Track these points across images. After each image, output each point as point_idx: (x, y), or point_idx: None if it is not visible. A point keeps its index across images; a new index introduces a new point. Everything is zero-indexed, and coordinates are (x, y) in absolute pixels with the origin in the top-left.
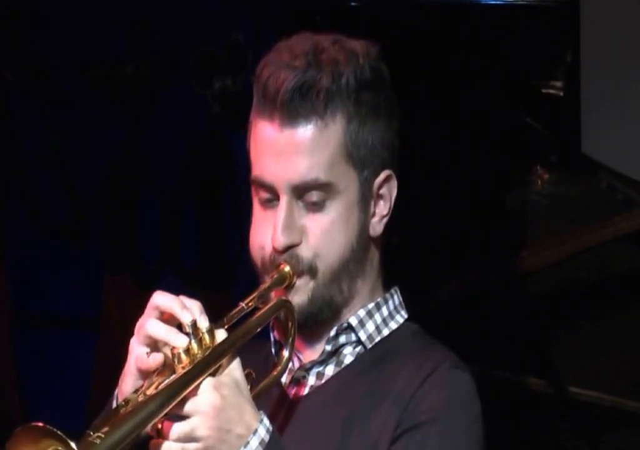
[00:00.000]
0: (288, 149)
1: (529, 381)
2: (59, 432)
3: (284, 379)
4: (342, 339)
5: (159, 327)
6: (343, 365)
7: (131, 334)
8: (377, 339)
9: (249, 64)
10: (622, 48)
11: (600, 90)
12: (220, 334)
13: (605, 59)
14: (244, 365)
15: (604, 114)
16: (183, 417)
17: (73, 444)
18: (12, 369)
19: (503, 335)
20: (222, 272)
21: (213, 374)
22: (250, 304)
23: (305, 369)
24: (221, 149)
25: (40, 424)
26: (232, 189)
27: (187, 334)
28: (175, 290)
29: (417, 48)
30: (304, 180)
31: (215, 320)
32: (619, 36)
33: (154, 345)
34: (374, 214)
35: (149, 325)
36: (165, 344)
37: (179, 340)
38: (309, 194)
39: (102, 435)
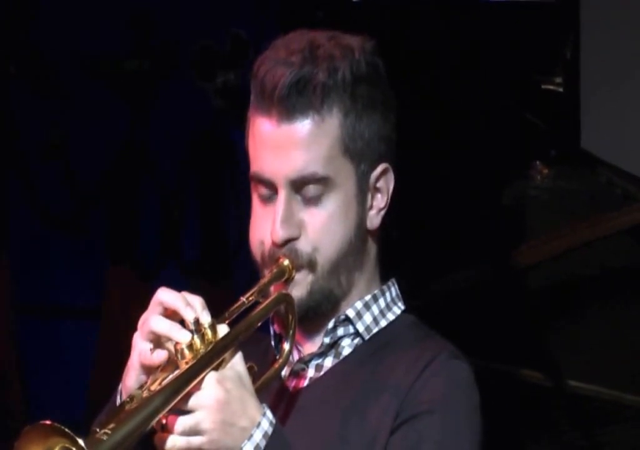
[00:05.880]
0: (286, 144)
1: (528, 374)
2: (66, 430)
3: (284, 371)
4: (340, 331)
5: (163, 322)
6: (341, 357)
7: (132, 324)
8: (375, 330)
9: (250, 58)
10: (621, 44)
11: (599, 85)
12: (222, 329)
13: (605, 54)
14: (246, 359)
15: (603, 109)
16: (187, 412)
17: (81, 441)
18: (14, 359)
19: (502, 328)
20: (223, 263)
21: (216, 369)
22: (250, 299)
23: (304, 361)
24: (222, 142)
25: (48, 422)
26: (233, 181)
27: (190, 330)
28: (177, 282)
29: (418, 43)
30: (302, 174)
31: (216, 313)
32: (618, 32)
33: (157, 340)
34: (371, 207)
35: (152, 321)
36: (169, 339)
37: (182, 336)
38: (307, 188)
39: (109, 432)
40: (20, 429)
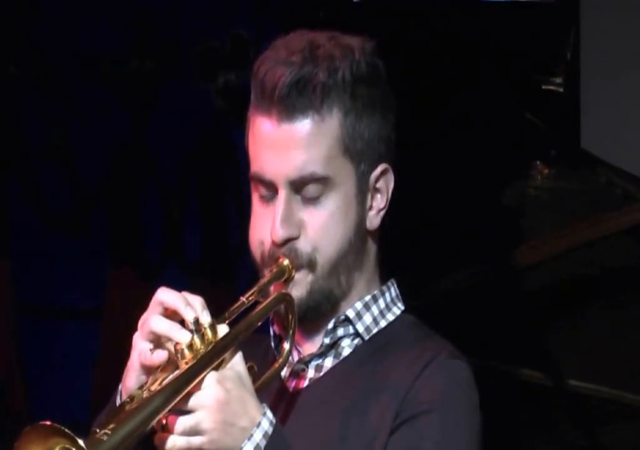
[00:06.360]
0: (286, 144)
1: (528, 374)
2: (67, 430)
3: (284, 372)
4: (340, 331)
5: (162, 323)
6: (341, 358)
7: (134, 324)
8: (375, 330)
9: (252, 59)
10: (621, 44)
11: (599, 86)
12: (222, 329)
13: (605, 55)
14: (246, 359)
15: (603, 109)
16: (187, 412)
17: (81, 442)
18: (16, 360)
19: (502, 328)
20: (225, 263)
21: (216, 369)
22: (250, 298)
23: (305, 361)
24: (224, 142)
25: (48, 423)
26: (234, 181)
27: (190, 330)
28: (178, 282)
29: (419, 43)
30: (301, 174)
31: (217, 313)
32: (618, 32)
33: (158, 340)
34: (371, 207)
35: (152, 321)
36: (169, 339)
37: (182, 336)
38: (307, 188)
39: (109, 432)
40: (22, 430)
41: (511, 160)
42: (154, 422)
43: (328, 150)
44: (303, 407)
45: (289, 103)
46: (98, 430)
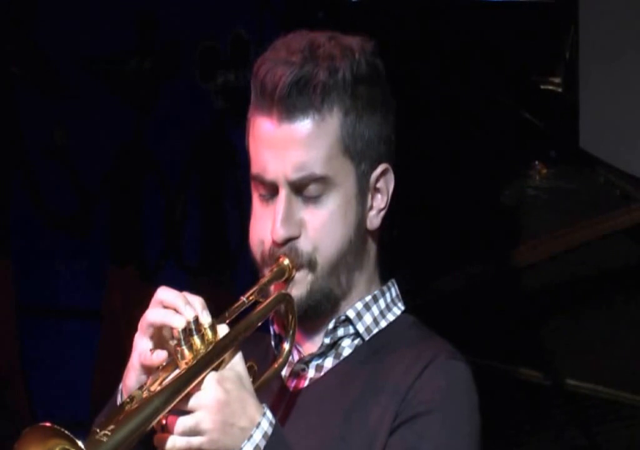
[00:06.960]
0: (286, 144)
1: (527, 373)
2: (66, 432)
3: (284, 372)
4: (340, 331)
5: (158, 312)
6: (342, 358)
7: (134, 324)
8: (375, 331)
9: (251, 59)
10: (620, 44)
11: (598, 86)
12: (222, 329)
13: (604, 54)
14: (246, 358)
15: (602, 109)
16: (187, 412)
17: (80, 443)
18: (17, 359)
19: (501, 327)
20: (225, 263)
21: (216, 369)
22: (250, 298)
23: (305, 361)
24: (224, 143)
25: (48, 424)
26: (234, 182)
27: (190, 330)
28: (178, 282)
29: (418, 43)
30: (301, 175)
31: (217, 313)
32: (617, 32)
33: (157, 338)
34: (371, 207)
35: (149, 313)
36: (167, 327)
37: (178, 320)
38: (307, 187)
39: (109, 433)
40: (22, 430)
41: (510, 160)
42: (154, 423)
43: (328, 150)
44: (303, 407)
45: (290, 103)
46: (98, 431)
